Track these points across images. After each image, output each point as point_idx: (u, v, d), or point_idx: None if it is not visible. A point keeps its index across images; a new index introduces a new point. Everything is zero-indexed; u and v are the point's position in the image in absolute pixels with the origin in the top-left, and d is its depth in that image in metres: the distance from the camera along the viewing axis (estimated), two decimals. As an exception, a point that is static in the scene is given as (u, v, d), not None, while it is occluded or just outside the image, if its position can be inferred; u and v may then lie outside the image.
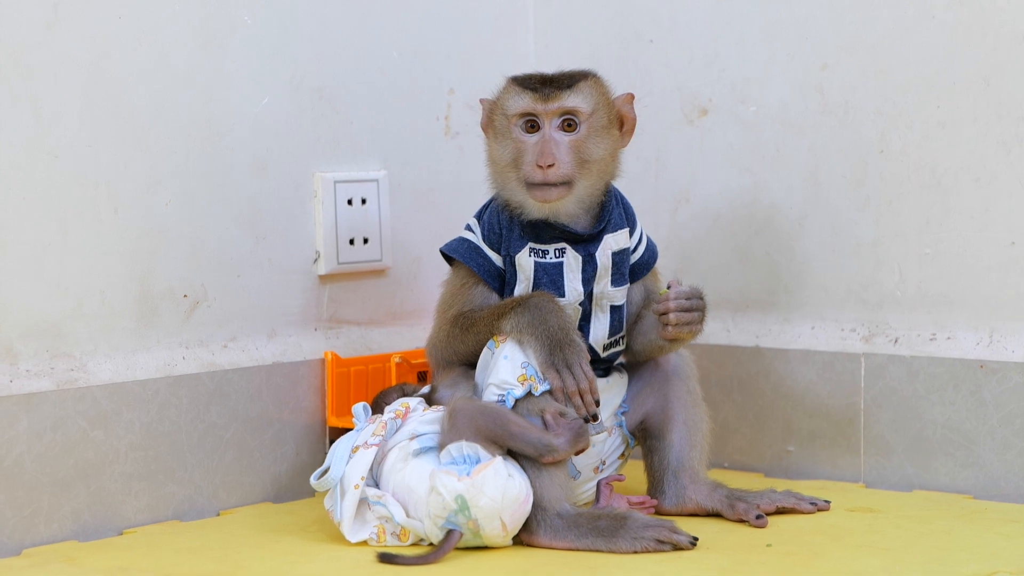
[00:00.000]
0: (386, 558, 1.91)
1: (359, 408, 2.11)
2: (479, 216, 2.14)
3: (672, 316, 2.08)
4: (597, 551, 1.96)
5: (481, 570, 1.90)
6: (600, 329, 2.13)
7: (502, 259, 2.11)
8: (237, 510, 2.22)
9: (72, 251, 2.10)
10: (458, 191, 2.48)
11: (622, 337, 2.17)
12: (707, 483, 2.14)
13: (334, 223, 2.35)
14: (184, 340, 2.21)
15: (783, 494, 2.15)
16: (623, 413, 2.16)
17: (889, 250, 2.33)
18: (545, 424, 2.00)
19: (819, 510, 2.14)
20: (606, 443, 2.14)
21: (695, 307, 2.10)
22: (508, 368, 2.02)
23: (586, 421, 2.01)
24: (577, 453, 2.03)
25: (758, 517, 2.08)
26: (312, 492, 2.27)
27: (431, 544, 1.97)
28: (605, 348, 2.14)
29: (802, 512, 2.13)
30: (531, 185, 2.05)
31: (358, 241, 2.38)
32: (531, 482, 1.98)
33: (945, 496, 2.24)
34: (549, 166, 2.03)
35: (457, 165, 2.50)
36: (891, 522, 2.10)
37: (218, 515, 2.21)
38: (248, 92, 2.27)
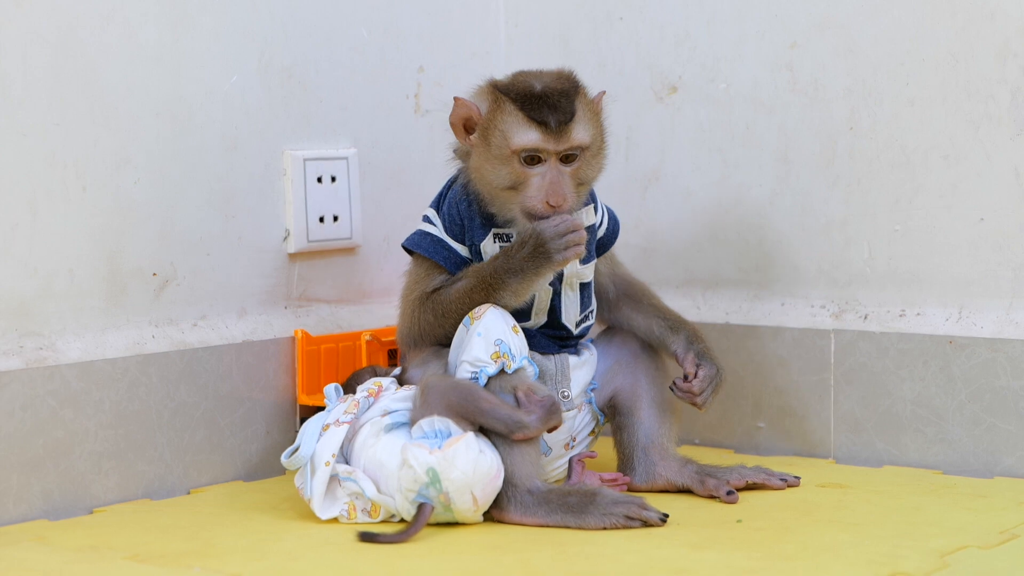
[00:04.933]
0: (367, 537, 1.91)
1: (331, 389, 2.11)
2: (437, 207, 2.13)
3: (700, 399, 2.12)
4: (567, 527, 1.97)
5: (453, 546, 1.90)
6: (571, 307, 2.13)
7: (468, 249, 2.11)
8: (208, 488, 2.22)
9: (40, 230, 2.09)
10: (428, 169, 2.48)
11: (592, 312, 2.17)
12: (677, 459, 2.15)
13: (304, 201, 2.35)
14: (154, 319, 2.20)
15: (753, 470, 2.15)
16: (593, 390, 2.17)
17: (859, 228, 2.34)
18: (517, 401, 2.00)
19: (789, 486, 2.15)
20: (576, 420, 2.14)
21: (716, 384, 2.13)
22: (482, 346, 2.02)
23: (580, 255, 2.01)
24: (549, 431, 2.03)
25: (729, 493, 2.08)
26: (283, 470, 2.26)
27: (403, 520, 1.97)
28: (577, 324, 2.15)
29: (772, 488, 2.14)
30: (534, 217, 2.04)
31: (328, 219, 2.38)
32: (502, 459, 1.98)
33: (915, 471, 2.25)
34: (558, 205, 2.03)
35: (427, 143, 2.50)
36: (861, 497, 2.11)
37: (189, 493, 2.20)
38: (217, 70, 2.26)
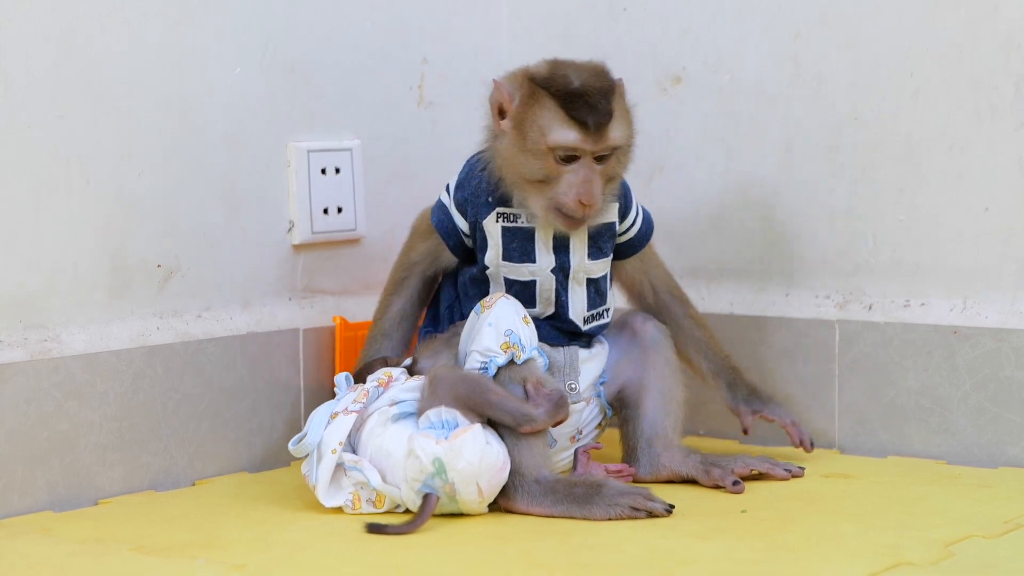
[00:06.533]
0: (374, 528, 1.91)
1: (341, 378, 2.12)
2: (458, 177, 2.15)
3: (807, 444, 2.22)
4: (573, 518, 1.97)
5: (457, 537, 1.90)
6: (578, 302, 2.13)
7: (469, 224, 2.11)
8: (212, 480, 2.22)
9: (44, 223, 2.09)
10: (432, 160, 2.48)
11: (606, 310, 2.17)
12: (681, 449, 2.15)
13: (308, 193, 2.35)
14: (158, 310, 2.20)
15: (758, 459, 2.15)
16: (602, 384, 2.17)
17: (863, 218, 2.34)
18: (526, 394, 2.01)
19: (793, 476, 2.15)
20: (584, 413, 2.14)
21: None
22: (492, 335, 2.02)
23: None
24: (555, 424, 2.03)
25: (735, 483, 2.08)
26: (288, 462, 2.27)
27: (407, 511, 1.97)
28: (586, 321, 2.15)
29: (776, 478, 2.14)
30: (561, 213, 2.04)
31: (332, 211, 2.38)
32: (510, 449, 1.98)
33: (919, 462, 2.25)
34: (589, 204, 2.03)
35: (431, 135, 2.50)
36: (865, 488, 2.11)
37: (193, 485, 2.21)
38: (221, 65, 2.26)
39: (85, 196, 2.13)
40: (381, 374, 2.10)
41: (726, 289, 2.45)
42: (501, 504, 2.00)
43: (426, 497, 1.94)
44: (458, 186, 2.13)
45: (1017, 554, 1.80)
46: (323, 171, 2.37)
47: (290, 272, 2.35)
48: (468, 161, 2.15)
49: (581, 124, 2.01)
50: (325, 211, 2.37)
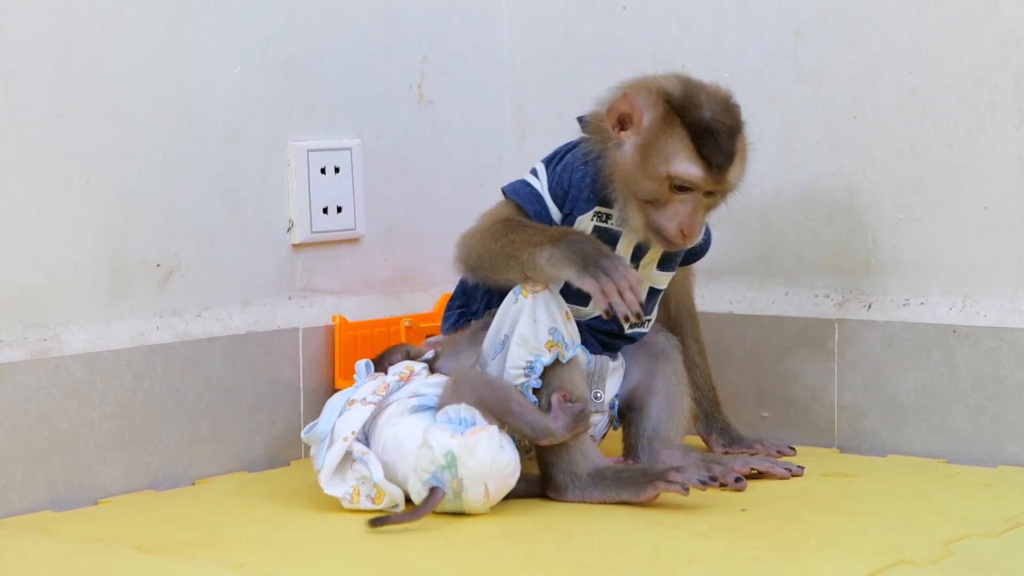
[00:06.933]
0: (377, 522, 1.91)
1: (361, 365, 2.12)
2: (548, 162, 2.13)
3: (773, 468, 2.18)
4: (624, 502, 2.01)
5: (458, 536, 1.90)
6: None
7: (563, 217, 2.10)
8: (212, 479, 2.22)
9: (45, 223, 2.09)
10: (432, 159, 2.48)
11: (649, 322, 2.18)
12: (681, 448, 2.15)
13: (307, 192, 2.35)
14: (158, 310, 2.20)
15: (758, 458, 2.16)
16: (616, 397, 2.17)
17: (862, 216, 2.34)
18: (551, 405, 2.01)
19: (793, 475, 2.15)
20: (599, 424, 2.15)
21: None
22: (535, 332, 2.02)
23: (627, 321, 1.97)
24: (574, 437, 2.03)
25: (737, 480, 2.08)
26: (288, 461, 2.28)
27: (410, 503, 1.97)
28: (632, 326, 2.15)
29: (776, 477, 2.14)
30: (660, 235, 2.05)
31: (332, 210, 2.38)
32: (562, 451, 2.01)
33: (918, 460, 2.25)
34: (690, 236, 2.04)
35: (431, 133, 2.50)
36: (865, 487, 2.11)
37: (193, 484, 2.21)
38: (221, 64, 2.26)
39: (85, 196, 2.13)
40: (403, 368, 2.10)
41: (726, 288, 2.45)
42: (552, 496, 2.03)
43: (432, 490, 1.94)
44: (555, 178, 2.10)
45: (1017, 553, 1.80)
46: (323, 170, 2.37)
47: (290, 271, 2.35)
48: (559, 153, 2.13)
49: (706, 163, 2.02)
50: (325, 210, 2.37)
